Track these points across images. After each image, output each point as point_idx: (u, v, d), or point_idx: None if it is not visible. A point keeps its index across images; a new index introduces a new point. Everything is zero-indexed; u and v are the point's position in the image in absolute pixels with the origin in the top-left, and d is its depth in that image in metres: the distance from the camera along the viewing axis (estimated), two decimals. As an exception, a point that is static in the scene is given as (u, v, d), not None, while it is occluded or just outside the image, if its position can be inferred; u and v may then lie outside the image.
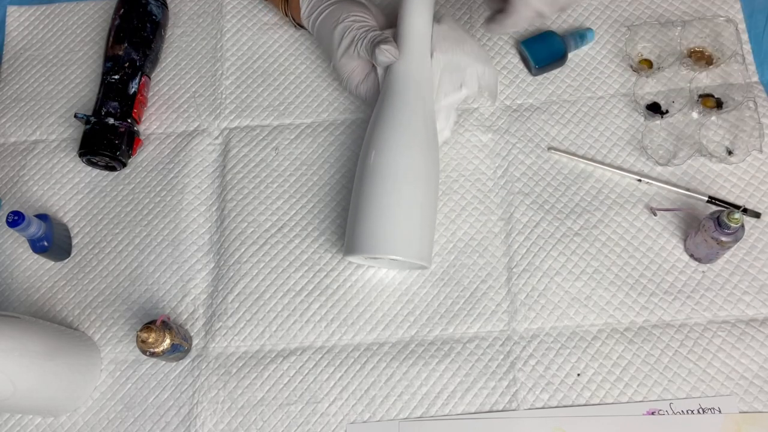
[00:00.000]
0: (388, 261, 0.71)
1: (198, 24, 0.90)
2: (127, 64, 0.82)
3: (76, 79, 0.88)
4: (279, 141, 0.82)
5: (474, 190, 0.78)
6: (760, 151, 0.76)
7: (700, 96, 0.79)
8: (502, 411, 0.69)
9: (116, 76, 0.82)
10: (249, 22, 0.89)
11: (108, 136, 0.79)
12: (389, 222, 0.67)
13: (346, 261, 0.76)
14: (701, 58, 0.81)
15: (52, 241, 0.75)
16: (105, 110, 0.80)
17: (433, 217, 0.71)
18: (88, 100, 0.86)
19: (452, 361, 0.71)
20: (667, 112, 0.79)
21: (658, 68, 0.81)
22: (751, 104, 0.77)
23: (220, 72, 0.87)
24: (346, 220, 0.72)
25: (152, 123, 0.85)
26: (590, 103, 0.81)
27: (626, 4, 0.86)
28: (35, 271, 0.78)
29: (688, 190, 0.75)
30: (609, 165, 0.78)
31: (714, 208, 0.74)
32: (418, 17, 0.74)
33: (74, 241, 0.79)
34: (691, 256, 0.73)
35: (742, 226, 0.66)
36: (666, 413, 0.67)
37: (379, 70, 0.76)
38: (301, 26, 0.84)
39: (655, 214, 0.75)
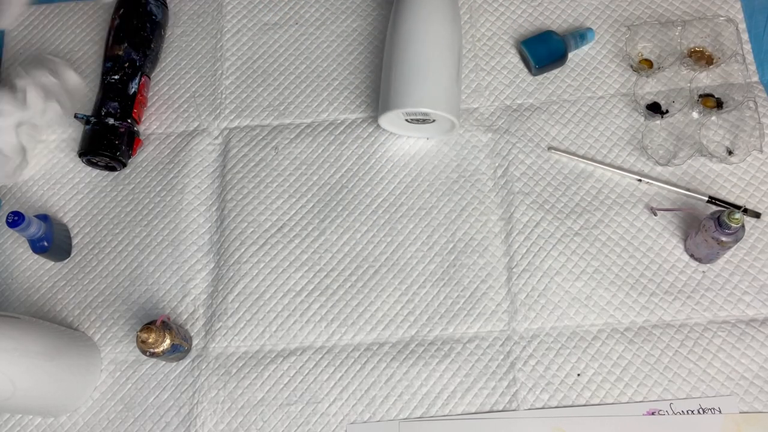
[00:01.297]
0: (417, 124, 0.77)
1: (198, 24, 0.90)
2: (127, 64, 0.82)
3: (76, 79, 0.88)
4: (279, 141, 0.82)
5: (474, 190, 0.78)
6: (760, 151, 0.76)
7: (701, 96, 0.79)
8: (502, 411, 0.69)
9: (116, 76, 0.81)
10: (249, 22, 0.89)
11: (108, 136, 0.79)
12: (421, 80, 0.74)
13: (346, 261, 0.76)
14: (701, 58, 0.81)
15: (52, 241, 0.75)
16: (105, 110, 0.80)
17: (458, 77, 0.77)
18: (88, 100, 0.86)
19: (452, 361, 0.71)
20: (667, 112, 0.79)
21: (659, 68, 0.81)
22: (751, 104, 0.77)
23: (220, 72, 0.87)
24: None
25: (152, 123, 0.85)
26: (590, 103, 0.81)
27: (626, 4, 0.86)
28: (35, 271, 0.78)
29: (688, 190, 0.75)
30: (609, 165, 0.78)
31: (714, 208, 0.74)
32: None
33: (74, 241, 0.79)
34: (692, 256, 0.73)
35: (743, 226, 0.65)
36: (666, 413, 0.67)
37: None
38: None
39: (655, 214, 0.75)
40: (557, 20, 0.86)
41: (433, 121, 0.75)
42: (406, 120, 0.76)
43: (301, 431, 0.69)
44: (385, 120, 0.77)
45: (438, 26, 0.77)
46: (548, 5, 0.87)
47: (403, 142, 0.81)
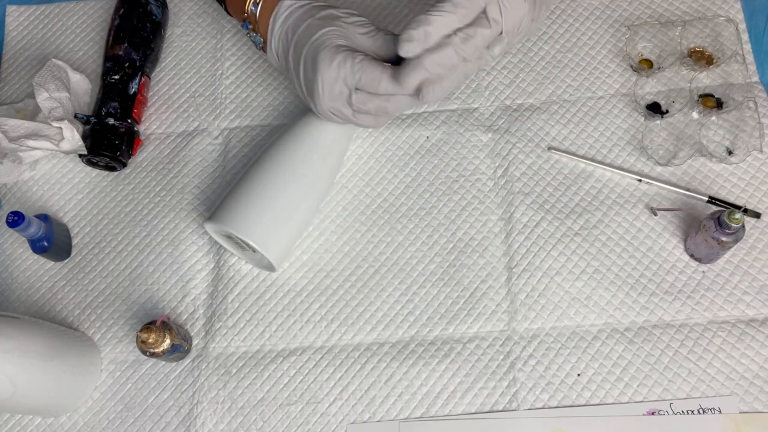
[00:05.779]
0: (238, 246, 0.74)
1: (198, 24, 0.90)
2: (127, 64, 0.82)
3: (76, 79, 0.88)
4: (279, 141, 0.82)
5: (474, 190, 0.78)
6: (761, 151, 0.76)
7: (701, 96, 0.79)
8: (502, 411, 0.69)
9: (116, 76, 0.81)
10: (249, 22, 0.89)
11: (108, 136, 0.79)
12: (261, 209, 0.69)
13: (346, 261, 0.76)
14: (701, 58, 0.81)
15: (52, 241, 0.75)
16: (105, 110, 0.80)
17: (303, 226, 0.74)
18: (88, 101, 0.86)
19: (452, 361, 0.71)
20: (667, 112, 0.79)
21: (659, 68, 0.81)
22: (752, 104, 0.77)
23: (220, 72, 0.86)
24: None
25: (152, 123, 0.85)
26: (590, 103, 0.81)
27: (626, 4, 0.86)
28: (35, 271, 0.78)
29: (688, 190, 0.75)
30: (609, 165, 0.78)
31: (714, 208, 0.74)
32: None
33: (74, 241, 0.79)
34: (692, 256, 0.73)
35: (743, 226, 0.66)
36: (666, 413, 0.67)
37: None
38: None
39: (655, 214, 0.75)
40: (557, 20, 0.85)
41: (254, 251, 0.71)
42: (228, 236, 0.73)
43: (301, 431, 0.69)
44: (210, 227, 0.73)
45: (310, 167, 0.72)
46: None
47: (402, 142, 0.81)
